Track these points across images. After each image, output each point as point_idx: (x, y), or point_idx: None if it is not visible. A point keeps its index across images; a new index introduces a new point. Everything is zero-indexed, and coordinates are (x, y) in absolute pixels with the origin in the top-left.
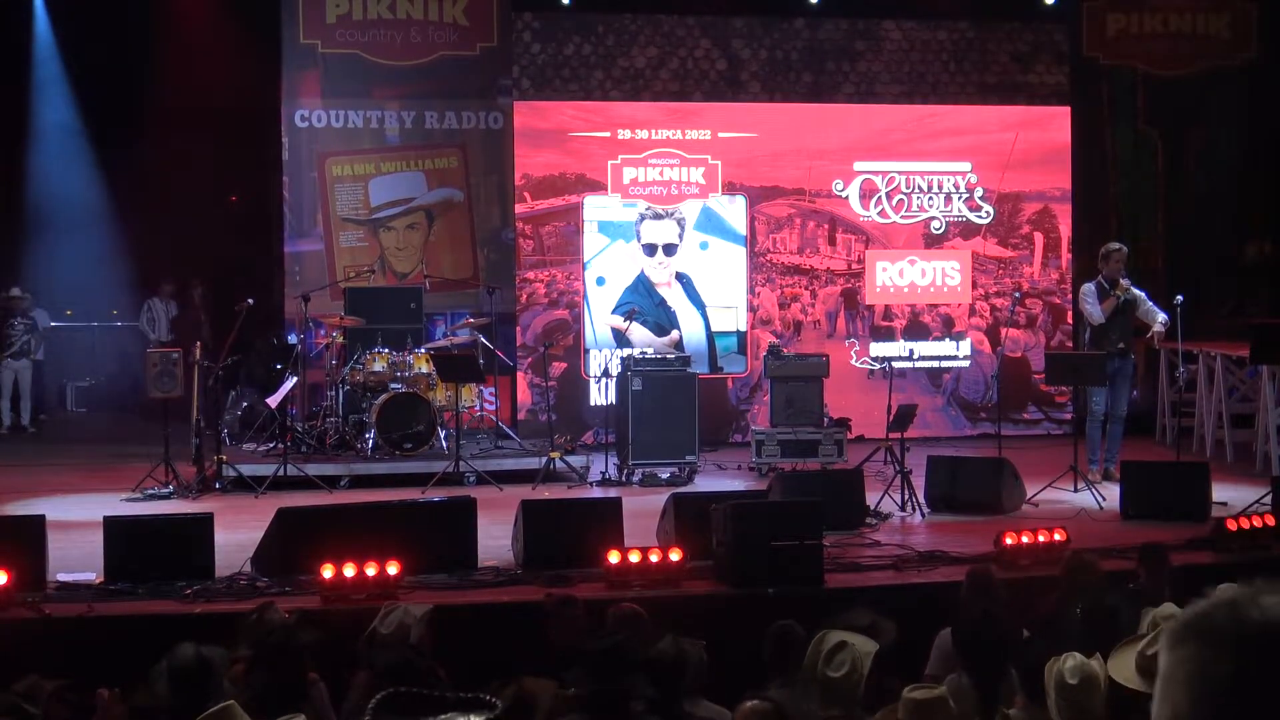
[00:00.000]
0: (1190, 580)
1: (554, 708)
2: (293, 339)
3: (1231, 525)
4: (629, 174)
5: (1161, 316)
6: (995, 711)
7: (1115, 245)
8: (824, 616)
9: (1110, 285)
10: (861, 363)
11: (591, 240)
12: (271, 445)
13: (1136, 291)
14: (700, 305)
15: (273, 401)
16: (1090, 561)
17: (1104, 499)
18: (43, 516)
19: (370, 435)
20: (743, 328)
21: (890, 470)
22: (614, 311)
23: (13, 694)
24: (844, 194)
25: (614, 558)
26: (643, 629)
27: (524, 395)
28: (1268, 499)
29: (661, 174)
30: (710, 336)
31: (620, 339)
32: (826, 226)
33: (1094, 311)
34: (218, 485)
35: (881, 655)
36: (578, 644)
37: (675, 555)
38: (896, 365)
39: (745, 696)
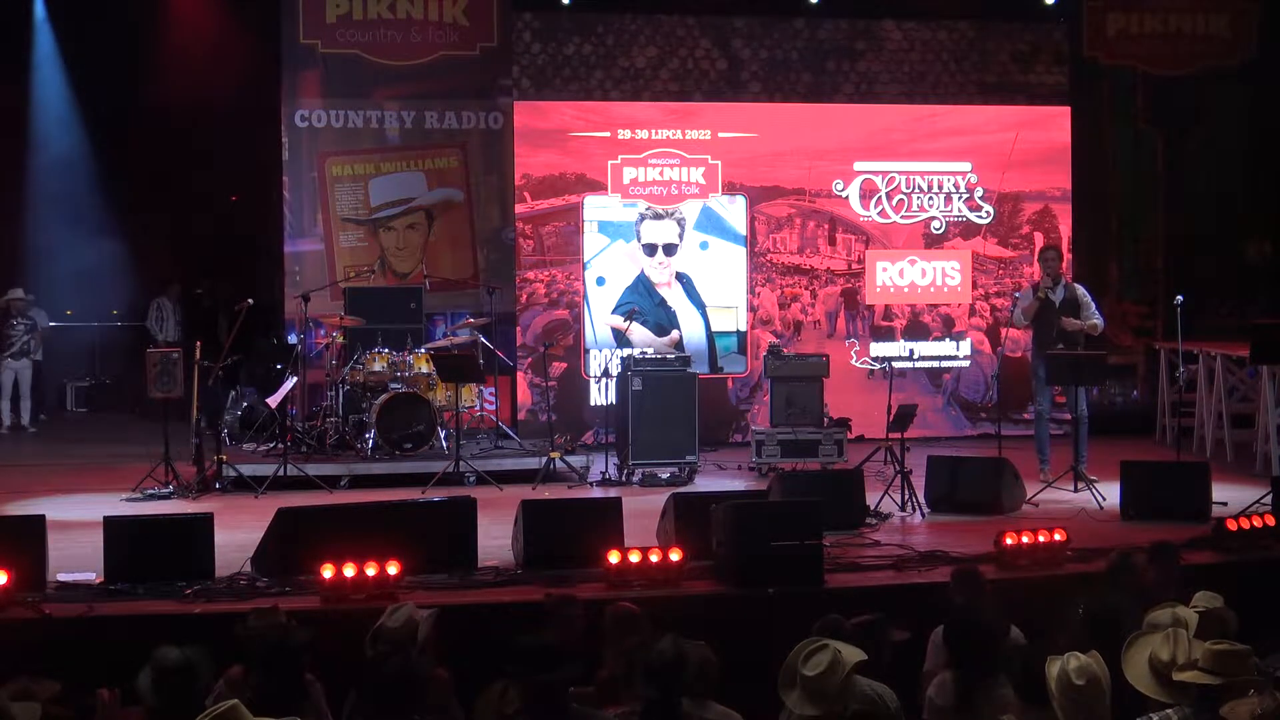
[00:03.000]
0: (1191, 580)
1: None
2: (293, 339)
3: (1231, 525)
4: (629, 174)
5: (1094, 321)
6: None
7: (1044, 246)
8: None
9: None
10: (861, 363)
11: (591, 240)
12: (271, 445)
13: (1079, 290)
14: (700, 305)
15: (273, 401)
16: (1138, 565)
17: (1104, 499)
18: (43, 516)
19: (370, 435)
20: (743, 328)
21: (890, 470)
22: (614, 311)
23: (3, 697)
24: (844, 194)
25: (614, 558)
26: (639, 628)
27: (524, 395)
28: (1268, 499)
29: (661, 174)
30: (710, 336)
31: (620, 339)
32: (826, 226)
33: (1015, 313)
34: (218, 485)
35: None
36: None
37: (675, 555)
38: (896, 365)
39: None
